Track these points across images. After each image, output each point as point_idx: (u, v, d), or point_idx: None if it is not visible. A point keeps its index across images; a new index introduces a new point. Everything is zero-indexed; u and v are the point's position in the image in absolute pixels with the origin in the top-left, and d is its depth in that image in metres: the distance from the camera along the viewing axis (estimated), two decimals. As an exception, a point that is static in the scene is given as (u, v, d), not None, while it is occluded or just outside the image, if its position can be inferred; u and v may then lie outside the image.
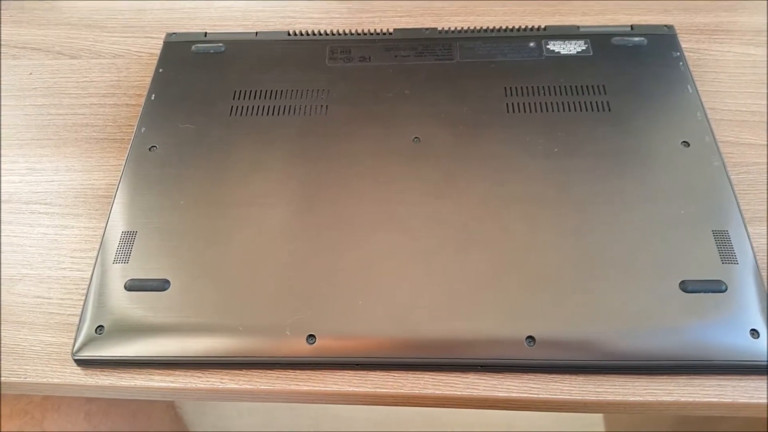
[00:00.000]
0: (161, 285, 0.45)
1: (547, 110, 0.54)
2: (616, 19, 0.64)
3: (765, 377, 0.42)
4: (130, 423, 0.83)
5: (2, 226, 0.52)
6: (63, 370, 0.44)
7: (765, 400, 0.41)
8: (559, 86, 0.56)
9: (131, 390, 0.44)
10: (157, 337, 0.44)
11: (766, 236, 0.48)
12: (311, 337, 0.43)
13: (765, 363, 0.41)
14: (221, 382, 0.43)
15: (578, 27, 0.60)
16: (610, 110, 0.54)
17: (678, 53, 0.58)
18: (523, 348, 0.42)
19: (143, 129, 0.55)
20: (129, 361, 0.43)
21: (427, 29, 0.61)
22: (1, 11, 0.70)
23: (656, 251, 0.45)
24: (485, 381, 0.43)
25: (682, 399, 0.42)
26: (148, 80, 0.59)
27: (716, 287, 0.44)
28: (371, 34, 0.62)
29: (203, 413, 1.15)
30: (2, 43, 0.67)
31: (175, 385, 0.43)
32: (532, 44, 0.59)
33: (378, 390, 0.43)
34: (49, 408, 0.67)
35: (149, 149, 0.53)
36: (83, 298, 0.46)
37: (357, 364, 0.43)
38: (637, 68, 0.57)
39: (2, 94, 0.62)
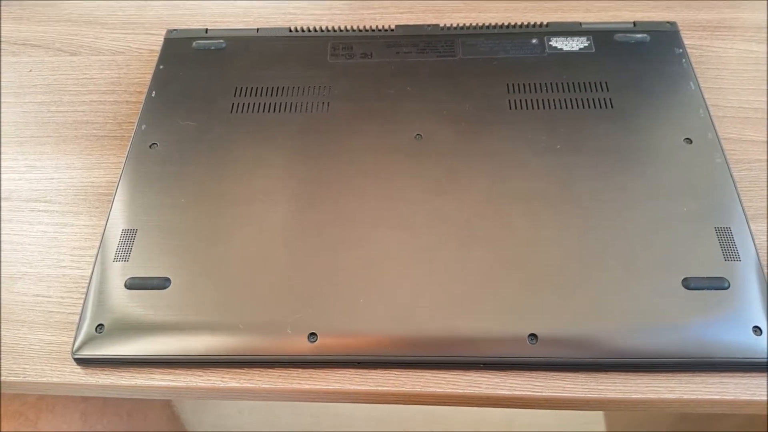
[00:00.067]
0: (162, 283, 0.45)
1: (550, 107, 0.54)
2: (619, 15, 0.64)
3: (767, 374, 0.42)
4: (126, 422, 0.83)
5: (2, 224, 0.52)
6: (63, 369, 0.44)
7: (767, 398, 0.41)
8: (562, 83, 0.56)
9: (132, 389, 0.44)
10: (158, 335, 0.43)
11: (767, 233, 0.48)
12: (312, 336, 0.43)
13: (767, 360, 0.41)
14: (222, 381, 0.43)
15: (581, 24, 0.60)
16: (612, 107, 0.54)
17: (680, 50, 0.58)
18: (525, 346, 0.42)
19: (144, 126, 0.54)
20: (129, 360, 0.43)
21: (429, 26, 0.61)
22: (1, 8, 0.69)
23: (659, 248, 0.45)
24: (487, 379, 0.43)
25: (684, 396, 0.42)
26: (149, 77, 0.59)
27: (719, 284, 0.43)
28: (373, 30, 0.61)
29: (203, 412, 1.15)
30: (2, 39, 0.66)
31: (175, 384, 0.43)
32: (534, 41, 0.59)
33: (379, 388, 0.43)
34: (44, 408, 0.66)
35: (150, 146, 0.53)
36: (83, 296, 0.46)
37: (358, 363, 0.43)
38: (639, 65, 0.57)
39: (2, 91, 0.62)
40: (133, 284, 0.45)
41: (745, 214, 0.47)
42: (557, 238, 0.46)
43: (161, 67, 0.59)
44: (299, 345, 0.43)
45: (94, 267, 0.47)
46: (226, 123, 0.54)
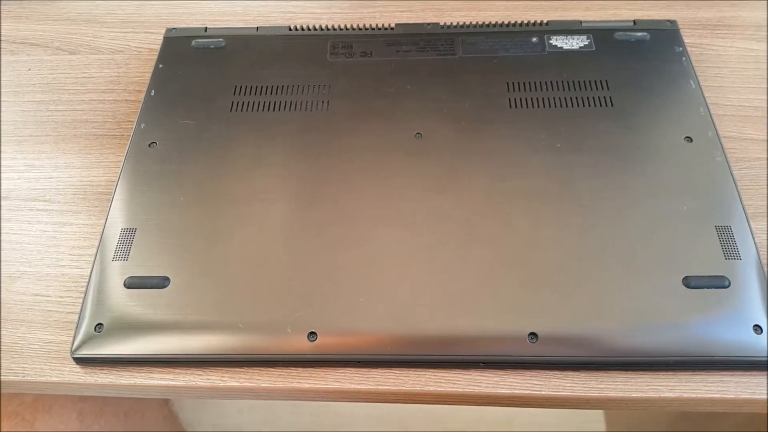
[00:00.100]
0: (161, 282, 0.45)
1: (550, 105, 0.54)
2: (619, 14, 0.64)
3: (767, 373, 0.42)
4: (123, 422, 0.82)
5: (1, 224, 0.52)
6: (62, 369, 0.44)
7: (767, 396, 0.41)
8: (562, 81, 0.55)
9: (131, 388, 0.44)
10: (157, 334, 0.43)
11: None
12: (312, 335, 0.43)
13: (767, 359, 0.41)
14: (222, 380, 0.43)
15: (581, 22, 0.60)
16: (612, 105, 0.53)
17: (681, 48, 0.58)
18: (525, 344, 0.42)
19: (143, 125, 0.54)
20: (129, 359, 0.43)
21: (429, 24, 0.61)
22: (0, 6, 0.69)
23: (659, 247, 0.45)
24: (487, 378, 0.43)
25: (685, 395, 0.41)
26: (148, 76, 0.59)
27: (719, 283, 0.43)
28: (373, 29, 0.61)
29: (203, 411, 1.14)
30: (1, 38, 0.66)
31: (175, 383, 0.43)
32: (534, 39, 0.59)
33: (379, 387, 0.43)
34: (41, 409, 0.66)
35: (149, 145, 0.53)
36: (82, 295, 0.46)
37: (358, 362, 0.43)
38: (639, 63, 0.57)
39: (1, 90, 0.62)
40: (132, 283, 0.45)
41: (745, 213, 0.47)
42: (557, 236, 0.46)
43: (160, 65, 0.59)
44: (299, 344, 0.42)
45: (93, 266, 0.47)
46: (225, 122, 0.54)
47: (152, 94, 0.57)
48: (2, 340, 0.46)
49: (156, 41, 0.64)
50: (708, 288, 0.43)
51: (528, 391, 0.42)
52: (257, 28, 0.62)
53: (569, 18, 0.62)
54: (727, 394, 0.41)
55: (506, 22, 0.61)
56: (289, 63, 0.58)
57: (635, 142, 0.51)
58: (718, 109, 0.55)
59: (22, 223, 0.52)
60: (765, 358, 0.41)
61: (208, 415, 1.14)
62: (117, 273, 0.46)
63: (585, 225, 0.46)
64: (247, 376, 0.43)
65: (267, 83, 0.57)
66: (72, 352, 0.43)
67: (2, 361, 0.45)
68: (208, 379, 0.43)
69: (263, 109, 0.55)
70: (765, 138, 0.54)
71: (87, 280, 0.46)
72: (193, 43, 0.60)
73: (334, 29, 0.61)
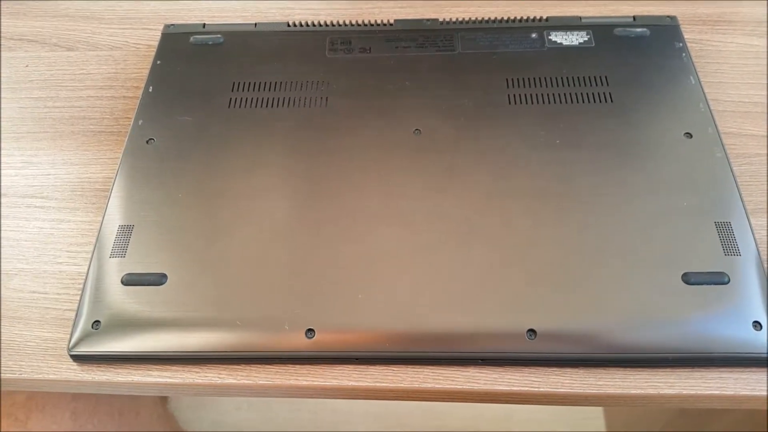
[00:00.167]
0: (158, 279, 0.45)
1: (549, 102, 0.54)
2: (619, 9, 0.63)
3: (766, 369, 0.42)
4: (118, 422, 0.82)
5: (-2, 220, 0.52)
6: (59, 366, 0.44)
7: (766, 393, 0.41)
8: (561, 77, 0.55)
9: (128, 386, 0.43)
10: (155, 332, 0.43)
11: (767, 228, 0.48)
12: (310, 332, 0.42)
13: (766, 355, 0.41)
14: (219, 377, 0.43)
15: (580, 18, 0.60)
16: (612, 101, 0.53)
17: (680, 44, 0.57)
18: (524, 341, 0.42)
19: (140, 122, 0.54)
20: (126, 357, 0.43)
21: (428, 20, 0.61)
22: (-3, 3, 0.69)
23: (658, 243, 0.45)
24: (486, 375, 0.42)
25: (684, 392, 0.41)
26: (146, 72, 0.59)
27: (719, 279, 0.43)
28: (372, 25, 0.61)
29: (202, 408, 1.14)
30: (-2, 35, 0.66)
31: (172, 380, 0.43)
32: (534, 35, 0.59)
33: (378, 384, 0.42)
34: (34, 408, 0.66)
35: (146, 142, 0.53)
36: (79, 293, 0.46)
37: (356, 359, 0.43)
38: (639, 59, 0.56)
39: (-1, 87, 0.62)
40: (129, 280, 0.45)
41: (745, 209, 0.46)
42: (556, 233, 0.46)
43: (158, 62, 0.59)
44: (297, 341, 0.42)
45: (90, 263, 0.46)
46: (223, 118, 0.54)
47: (150, 90, 0.56)
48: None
49: (154, 37, 0.63)
50: (707, 284, 0.43)
51: (526, 388, 0.42)
52: (255, 24, 0.61)
53: (569, 14, 0.61)
54: (726, 390, 0.41)
55: (505, 18, 0.60)
56: (287, 59, 0.58)
57: (635, 138, 0.51)
58: (718, 104, 0.55)
59: (19, 220, 0.52)
60: (764, 355, 0.41)
61: (208, 413, 1.14)
62: (114, 270, 0.46)
63: (584, 221, 0.46)
64: (244, 373, 0.43)
65: (265, 80, 0.56)
66: (69, 350, 0.43)
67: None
68: (206, 376, 0.43)
69: (261, 106, 0.55)
70: (765, 134, 0.53)
71: (84, 278, 0.46)
72: (191, 39, 0.60)
73: (333, 25, 0.61)
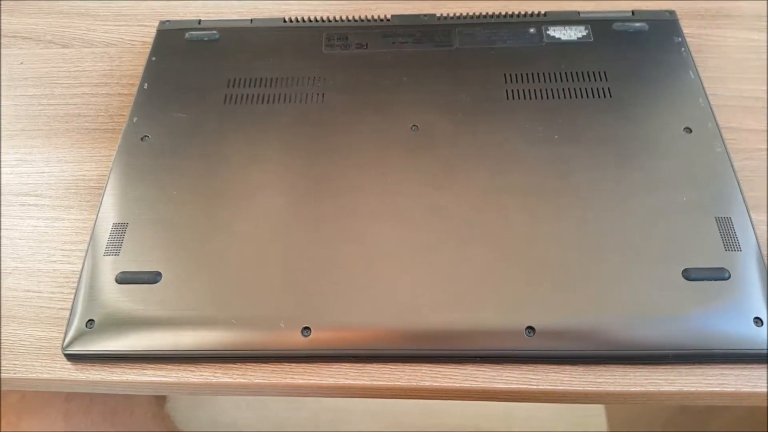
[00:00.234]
0: (153, 278, 0.44)
1: (548, 97, 0.53)
2: (617, 4, 0.63)
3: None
4: (111, 421, 0.81)
5: (-8, 219, 0.51)
6: (53, 365, 0.44)
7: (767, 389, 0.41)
8: (560, 73, 0.55)
9: (123, 385, 0.43)
10: (149, 330, 0.43)
11: (768, 223, 0.48)
12: (306, 330, 0.42)
13: (767, 351, 0.40)
14: (215, 376, 0.42)
15: (579, 12, 0.59)
16: (611, 97, 0.53)
17: (680, 39, 0.57)
18: (522, 338, 0.41)
19: (135, 118, 0.54)
20: (120, 356, 0.43)
21: (425, 15, 0.60)
22: (-8, 0, 0.69)
23: (658, 239, 0.44)
24: (484, 372, 0.42)
25: (684, 389, 0.41)
26: (142, 69, 0.58)
27: (719, 275, 0.43)
28: (368, 20, 0.60)
29: (200, 407, 1.14)
30: (-7, 32, 0.66)
31: (167, 379, 0.42)
32: (532, 30, 0.58)
33: (374, 383, 0.42)
34: (25, 410, 0.65)
35: (141, 139, 0.52)
36: (74, 291, 0.45)
37: (353, 357, 0.42)
38: (638, 54, 0.56)
39: (-7, 85, 0.61)
40: (123, 279, 0.44)
41: (745, 204, 0.46)
42: (555, 229, 0.45)
43: (153, 58, 0.58)
44: (293, 339, 0.42)
45: (84, 261, 0.46)
46: (218, 115, 0.53)
47: (145, 87, 0.56)
48: (-7, 337, 0.45)
49: (150, 34, 0.63)
50: (708, 280, 0.43)
51: (525, 386, 0.41)
52: (251, 20, 0.61)
53: (567, 8, 0.61)
54: (727, 387, 0.41)
55: (503, 13, 0.60)
56: (283, 55, 0.58)
57: (634, 133, 0.50)
58: (717, 99, 0.55)
59: (13, 218, 0.51)
60: (765, 351, 0.40)
61: (206, 412, 1.14)
62: (108, 268, 0.45)
63: (583, 217, 0.46)
64: (240, 372, 0.43)
65: (261, 76, 0.56)
66: (63, 349, 0.43)
67: (-7, 357, 0.44)
68: (201, 375, 0.43)
69: (257, 102, 0.54)
70: (765, 129, 0.53)
71: (78, 276, 0.46)
72: (187, 35, 0.60)
73: (329, 21, 0.60)
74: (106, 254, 0.46)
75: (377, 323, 0.42)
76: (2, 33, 0.65)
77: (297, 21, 0.60)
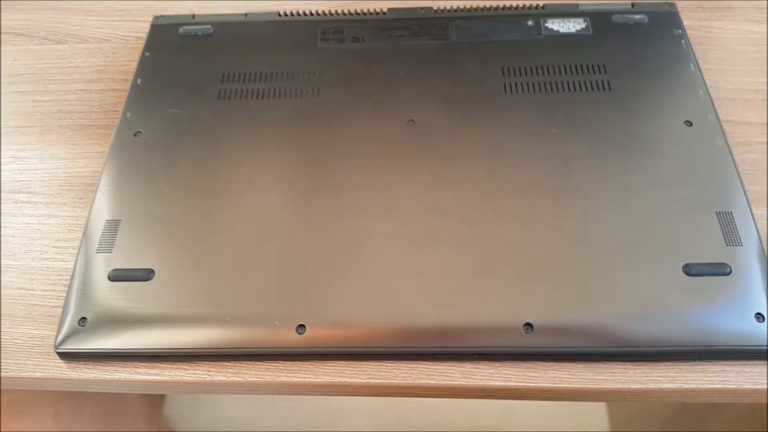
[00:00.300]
0: (146, 275, 0.44)
1: (546, 90, 0.53)
2: (616, -4, 0.62)
3: (770, 363, 0.41)
4: (102, 423, 0.80)
5: (-15, 216, 0.51)
6: (45, 364, 0.43)
7: (769, 387, 0.40)
8: (558, 66, 0.54)
9: (116, 383, 0.42)
10: (142, 328, 0.42)
11: (770, 217, 0.47)
12: (301, 327, 0.41)
13: (770, 348, 0.40)
14: (208, 375, 0.42)
15: (577, 5, 0.59)
16: (610, 90, 0.52)
17: (680, 31, 0.56)
18: (520, 335, 0.41)
19: (128, 114, 0.53)
20: (113, 354, 0.42)
21: (422, 8, 0.60)
22: (-15, -4, 0.68)
23: (658, 234, 0.44)
24: (481, 370, 0.41)
25: (685, 386, 0.40)
26: (135, 64, 0.57)
27: (720, 270, 0.42)
28: (364, 13, 0.60)
29: (200, 405, 1.14)
30: (-14, 28, 0.65)
31: (160, 378, 0.42)
32: (530, 23, 0.58)
33: (371, 381, 0.41)
34: (13, 412, 0.64)
35: (134, 135, 0.52)
36: (67, 289, 0.45)
37: (348, 354, 0.42)
38: (638, 47, 0.55)
39: (-14, 81, 0.61)
40: (116, 276, 0.44)
41: (746, 198, 0.45)
42: (553, 224, 0.45)
43: (147, 54, 0.58)
44: (287, 337, 0.41)
45: (77, 259, 0.45)
46: (212, 110, 0.53)
47: (138, 83, 0.55)
48: (-15, 336, 0.45)
49: (144, 29, 0.62)
50: (709, 275, 0.42)
51: (523, 384, 0.41)
52: (246, 14, 0.60)
53: (566, 1, 0.60)
54: (728, 384, 0.40)
55: (501, 6, 0.59)
56: (278, 49, 0.57)
57: (633, 127, 0.50)
58: (718, 92, 0.54)
59: (6, 215, 0.51)
60: (767, 347, 0.40)
61: (206, 410, 1.13)
62: (101, 266, 0.45)
63: (582, 212, 0.45)
64: (234, 370, 0.42)
65: (255, 70, 0.55)
66: (56, 347, 0.42)
67: (-15, 357, 0.44)
68: (195, 373, 0.42)
69: (251, 97, 0.53)
70: (766, 122, 0.52)
71: (71, 274, 0.45)
72: (181, 30, 0.59)
73: (325, 14, 0.60)
74: (98, 251, 0.45)
75: (373, 320, 0.42)
76: (-5, 29, 0.65)
77: (292, 15, 0.60)
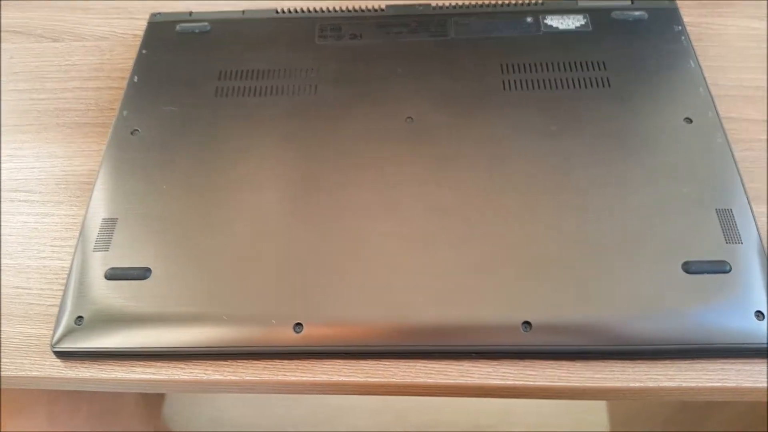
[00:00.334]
0: (142, 273, 0.43)
1: (545, 87, 0.52)
2: (616, -8, 0.62)
3: (770, 361, 0.40)
4: (98, 422, 0.80)
5: (-19, 215, 0.51)
6: (42, 363, 0.43)
7: (769, 385, 0.40)
8: (558, 62, 0.54)
9: (112, 382, 0.42)
10: (139, 327, 0.42)
11: (770, 215, 0.47)
12: (298, 326, 0.41)
13: (770, 346, 0.39)
14: (205, 374, 0.42)
15: (577, 1, 0.58)
16: (610, 87, 0.52)
17: (680, 27, 0.56)
18: (518, 334, 0.40)
19: (125, 112, 0.53)
20: (110, 353, 0.42)
21: (420, 5, 0.59)
22: (-18, -6, 0.68)
23: (658, 231, 0.44)
24: (479, 368, 0.41)
25: (684, 384, 0.40)
26: (133, 62, 0.57)
27: (720, 268, 0.42)
28: (362, 10, 0.59)
29: (199, 404, 1.14)
30: (-17, 26, 0.65)
31: (157, 377, 0.42)
32: (529, 19, 0.57)
33: (368, 379, 0.41)
34: (7, 413, 0.64)
35: (131, 133, 0.51)
36: (63, 288, 0.44)
37: (346, 353, 0.42)
38: (637, 43, 0.55)
39: (-17, 79, 0.60)
40: (113, 275, 0.44)
41: (746, 195, 0.45)
42: (552, 222, 0.44)
43: (144, 51, 0.57)
44: (284, 336, 0.41)
45: (73, 257, 0.45)
46: (209, 108, 0.52)
47: (135, 80, 0.55)
48: (-19, 335, 0.44)
49: (141, 27, 0.62)
50: (708, 273, 0.42)
51: (521, 382, 0.41)
52: (243, 11, 0.60)
53: (565, -3, 0.60)
54: (728, 382, 0.40)
55: (500, 2, 0.59)
56: (275, 47, 0.57)
57: (633, 124, 0.49)
58: (718, 89, 0.54)
59: (3, 214, 0.50)
60: (766, 345, 0.39)
61: (205, 409, 1.13)
62: (98, 264, 0.44)
63: (581, 210, 0.45)
64: (231, 369, 0.42)
65: (253, 67, 0.55)
66: (52, 346, 0.42)
67: (-19, 356, 0.44)
68: (191, 372, 0.42)
69: (249, 95, 0.53)
70: (766, 119, 0.52)
71: (68, 272, 0.45)
72: (178, 27, 0.59)
73: (323, 11, 0.59)
74: (95, 250, 0.45)
75: (371, 319, 0.42)
76: (-8, 27, 0.65)
77: (289, 12, 0.60)
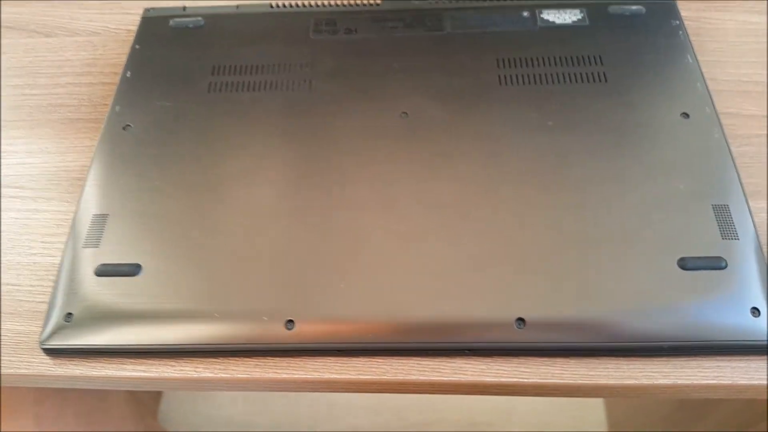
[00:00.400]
0: (133, 270, 0.43)
1: (542, 82, 0.52)
2: (613, -13, 0.61)
3: (766, 357, 0.40)
4: (86, 422, 0.79)
5: (-28, 211, 0.50)
6: (31, 360, 0.42)
7: (766, 381, 0.39)
8: (554, 57, 0.53)
9: (102, 380, 0.42)
10: (129, 324, 0.42)
11: (767, 211, 0.46)
12: (290, 323, 0.41)
13: (765, 342, 0.39)
14: (196, 371, 0.41)
15: (573, -5, 0.58)
16: (606, 81, 0.51)
17: (677, 22, 0.55)
18: (512, 330, 0.40)
19: (117, 108, 0.52)
20: (100, 350, 0.42)
21: None
22: (-25, -11, 0.67)
23: (654, 227, 0.43)
24: (473, 366, 0.41)
25: (680, 382, 0.40)
26: (126, 57, 0.57)
27: (716, 264, 0.41)
28: (358, 5, 0.59)
29: (196, 402, 1.13)
30: (-25, 21, 0.64)
31: (147, 374, 0.41)
32: (525, 14, 0.57)
33: (361, 377, 0.41)
34: None
35: (123, 128, 0.51)
36: (53, 284, 0.44)
37: (338, 350, 0.41)
38: (634, 38, 0.54)
39: (-26, 75, 0.60)
40: (103, 271, 0.43)
41: (743, 191, 0.45)
42: (547, 218, 0.44)
43: (137, 46, 0.57)
44: (276, 333, 0.41)
45: (63, 254, 0.45)
46: (203, 103, 0.52)
47: (128, 75, 0.55)
48: (-31, 332, 0.44)
49: (134, 22, 0.61)
50: (704, 269, 0.41)
51: (515, 379, 0.40)
52: (237, 5, 0.59)
53: (562, -8, 0.59)
54: (723, 379, 0.40)
55: (496, -3, 0.58)
56: (270, 41, 0.56)
57: (630, 119, 0.49)
58: (716, 84, 0.53)
59: (-7, 210, 0.50)
60: (763, 342, 0.39)
61: (202, 407, 1.13)
62: (88, 261, 0.44)
63: (576, 205, 0.44)
64: (222, 366, 0.41)
65: (247, 62, 0.54)
66: (41, 343, 0.42)
67: (-31, 353, 0.43)
68: (182, 370, 0.41)
69: (243, 90, 0.53)
70: (765, 114, 0.52)
71: (58, 269, 0.44)
72: (171, 22, 0.58)
73: (318, 6, 0.59)
74: (85, 246, 0.45)
75: (363, 316, 0.41)
76: (-16, 22, 0.64)
77: (284, 6, 0.59)
